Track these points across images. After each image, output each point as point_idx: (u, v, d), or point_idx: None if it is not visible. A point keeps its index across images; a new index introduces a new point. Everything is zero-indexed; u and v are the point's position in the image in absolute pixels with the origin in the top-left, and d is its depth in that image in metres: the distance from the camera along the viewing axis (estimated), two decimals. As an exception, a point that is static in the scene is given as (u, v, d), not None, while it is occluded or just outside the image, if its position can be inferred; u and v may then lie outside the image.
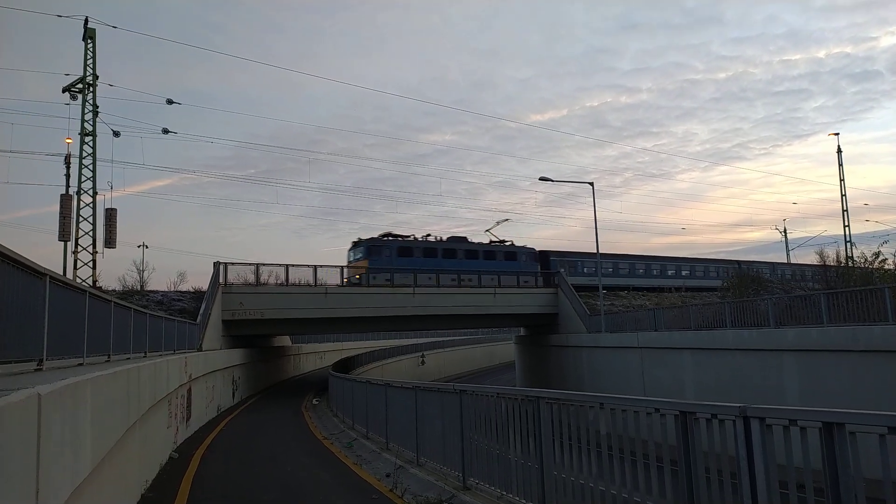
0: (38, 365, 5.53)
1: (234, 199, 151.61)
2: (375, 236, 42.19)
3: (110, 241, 29.05)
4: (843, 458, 3.62)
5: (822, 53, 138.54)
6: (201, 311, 26.39)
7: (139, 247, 56.75)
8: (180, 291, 32.27)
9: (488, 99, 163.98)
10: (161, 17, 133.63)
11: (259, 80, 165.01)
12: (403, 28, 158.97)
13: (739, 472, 4.18)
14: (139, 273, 42.38)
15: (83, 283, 19.48)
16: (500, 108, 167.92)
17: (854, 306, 19.27)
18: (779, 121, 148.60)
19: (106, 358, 8.87)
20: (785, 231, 63.05)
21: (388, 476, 10.55)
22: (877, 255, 33.17)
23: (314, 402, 29.75)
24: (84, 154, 29.14)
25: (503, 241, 46.90)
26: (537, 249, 46.72)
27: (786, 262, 60.07)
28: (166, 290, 34.32)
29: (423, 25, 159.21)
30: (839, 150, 43.61)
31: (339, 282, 34.59)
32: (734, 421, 4.25)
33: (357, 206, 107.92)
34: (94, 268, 28.94)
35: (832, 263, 35.87)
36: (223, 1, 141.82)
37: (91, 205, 29.08)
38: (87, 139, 29.13)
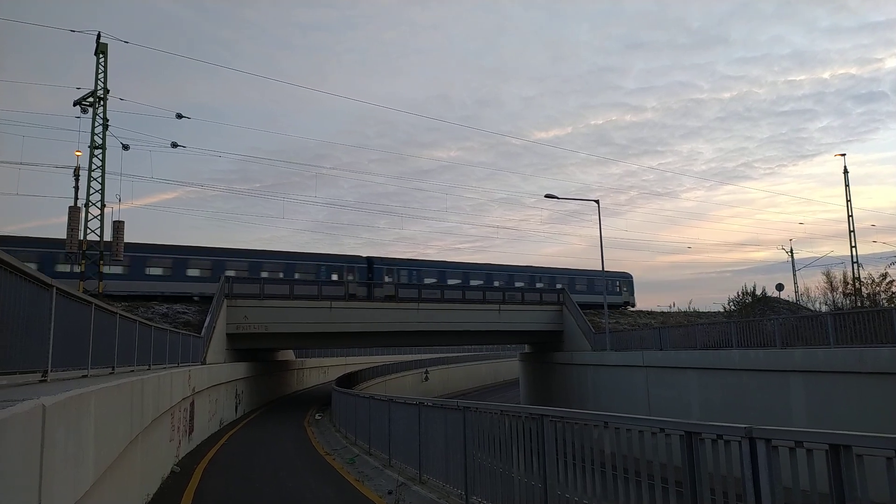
0: (42, 376, 5.55)
1: (239, 213, 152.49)
2: None
3: (117, 254, 29.23)
4: (849, 481, 3.59)
5: (827, 74, 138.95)
6: (206, 324, 26.41)
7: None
8: (185, 303, 32.29)
9: (493, 116, 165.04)
10: (171, 33, 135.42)
11: (266, 95, 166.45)
12: (409, 46, 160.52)
13: (745, 494, 4.14)
14: None
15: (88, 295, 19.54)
16: (504, 126, 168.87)
17: (861, 328, 19.15)
18: (784, 141, 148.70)
19: (110, 370, 8.88)
20: (791, 251, 62.70)
21: (390, 493, 10.48)
22: (884, 276, 33.02)
23: (317, 416, 29.64)
24: (93, 167, 29.43)
25: None
26: (365, 255, 42.80)
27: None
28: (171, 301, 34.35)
29: (429, 44, 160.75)
30: (846, 171, 43.53)
31: (343, 296, 34.63)
32: (740, 442, 4.22)
33: (361, 221, 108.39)
34: (100, 279, 29.11)
35: (839, 284, 35.72)
36: (232, 18, 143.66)
37: (99, 217, 29.32)
38: (97, 152, 29.43)
